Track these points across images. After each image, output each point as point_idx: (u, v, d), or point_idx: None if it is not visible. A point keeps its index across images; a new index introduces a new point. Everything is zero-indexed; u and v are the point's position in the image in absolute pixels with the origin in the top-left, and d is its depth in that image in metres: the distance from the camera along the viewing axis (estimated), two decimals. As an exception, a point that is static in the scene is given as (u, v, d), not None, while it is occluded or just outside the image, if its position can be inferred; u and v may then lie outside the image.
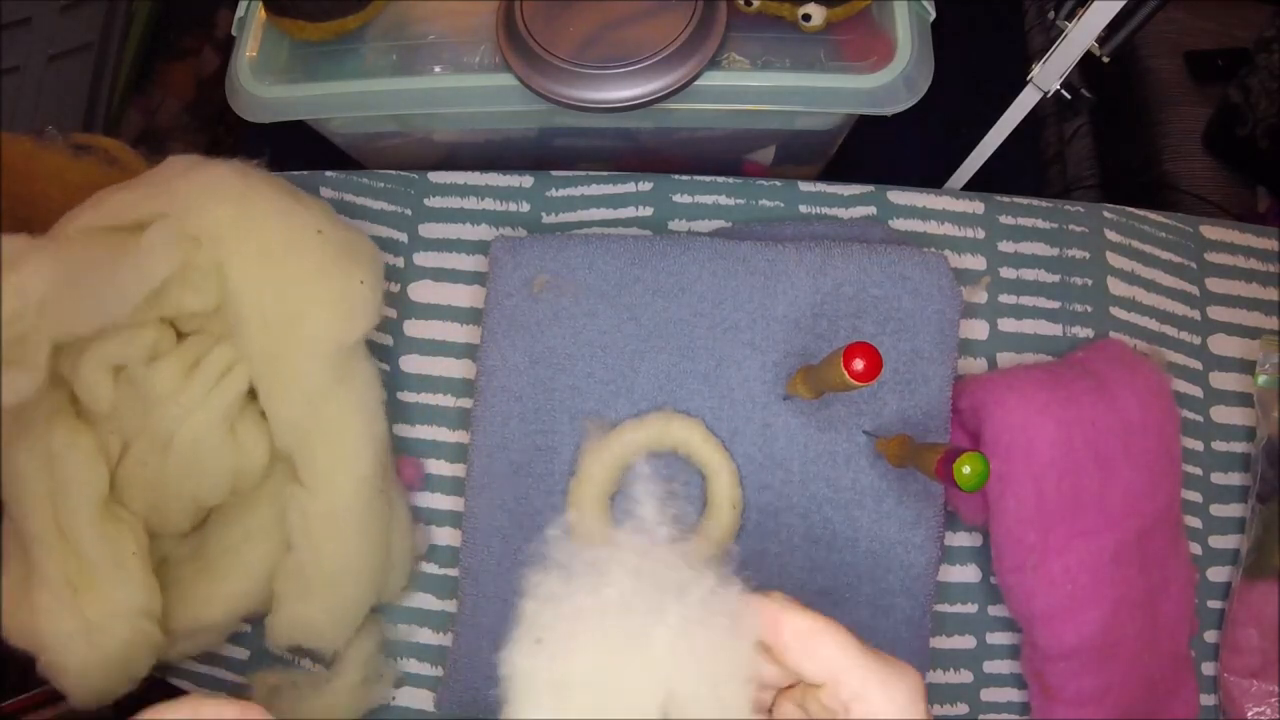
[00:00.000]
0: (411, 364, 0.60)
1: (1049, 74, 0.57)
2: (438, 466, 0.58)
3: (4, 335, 0.42)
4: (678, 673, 0.26)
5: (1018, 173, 1.04)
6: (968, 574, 0.57)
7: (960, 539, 0.57)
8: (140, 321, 0.48)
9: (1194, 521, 0.58)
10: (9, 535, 0.48)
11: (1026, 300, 0.60)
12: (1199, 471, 0.59)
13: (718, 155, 0.75)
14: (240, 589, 0.52)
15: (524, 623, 0.26)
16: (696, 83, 0.56)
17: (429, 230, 0.62)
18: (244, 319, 0.49)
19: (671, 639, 0.26)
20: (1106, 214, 0.62)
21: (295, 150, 0.66)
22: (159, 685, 0.51)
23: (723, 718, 0.26)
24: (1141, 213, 0.62)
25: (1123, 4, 0.52)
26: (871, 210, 0.61)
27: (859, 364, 0.40)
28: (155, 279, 0.46)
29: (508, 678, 0.26)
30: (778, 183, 0.62)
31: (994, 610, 0.57)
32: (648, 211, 0.61)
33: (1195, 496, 0.59)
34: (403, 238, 0.62)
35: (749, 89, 0.57)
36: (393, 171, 0.63)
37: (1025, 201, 0.62)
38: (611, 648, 0.26)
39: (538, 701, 0.26)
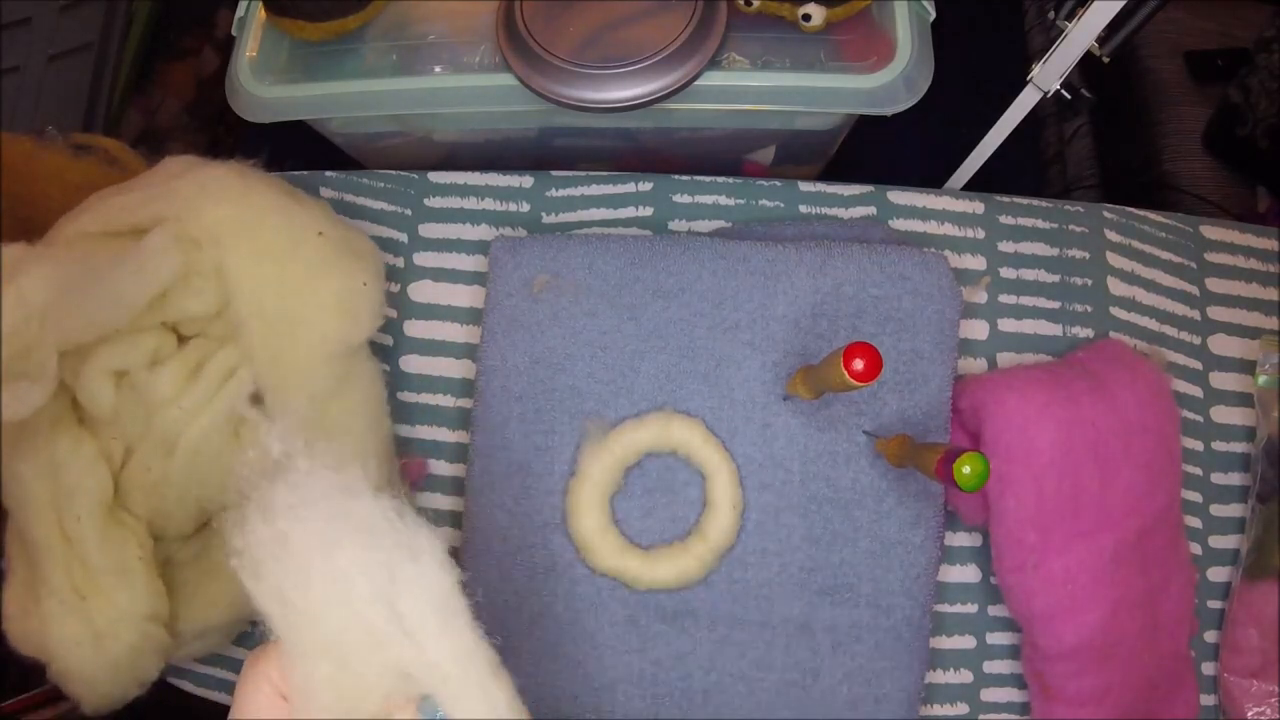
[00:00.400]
0: (411, 364, 0.60)
1: (1049, 74, 0.57)
2: (438, 466, 0.59)
3: (11, 347, 0.42)
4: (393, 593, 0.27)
5: (1018, 173, 1.04)
6: (968, 574, 0.57)
7: (960, 539, 0.57)
8: (141, 327, 0.48)
9: (1194, 521, 0.58)
10: (14, 543, 0.48)
11: (1026, 300, 0.60)
12: (1199, 471, 0.59)
13: (718, 155, 0.75)
14: (245, 590, 0.51)
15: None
16: (696, 83, 0.56)
17: (429, 230, 0.62)
18: (246, 321, 0.49)
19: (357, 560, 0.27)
20: (1106, 214, 0.62)
21: (295, 150, 0.66)
22: (160, 686, 0.51)
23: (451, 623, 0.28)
24: (1141, 213, 0.62)
25: (1123, 4, 0.52)
26: (871, 210, 0.61)
27: (859, 364, 0.40)
28: (157, 285, 0.46)
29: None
30: (778, 183, 0.62)
31: (994, 610, 0.57)
32: (648, 211, 0.62)
33: (1195, 496, 0.59)
34: (403, 238, 0.62)
35: (749, 89, 0.57)
36: (393, 171, 0.63)
37: (1025, 201, 0.62)
38: (307, 579, 0.27)
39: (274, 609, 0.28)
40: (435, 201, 0.62)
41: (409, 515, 0.29)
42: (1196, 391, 0.60)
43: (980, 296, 0.60)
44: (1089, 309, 0.60)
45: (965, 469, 0.40)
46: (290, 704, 0.28)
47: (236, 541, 0.28)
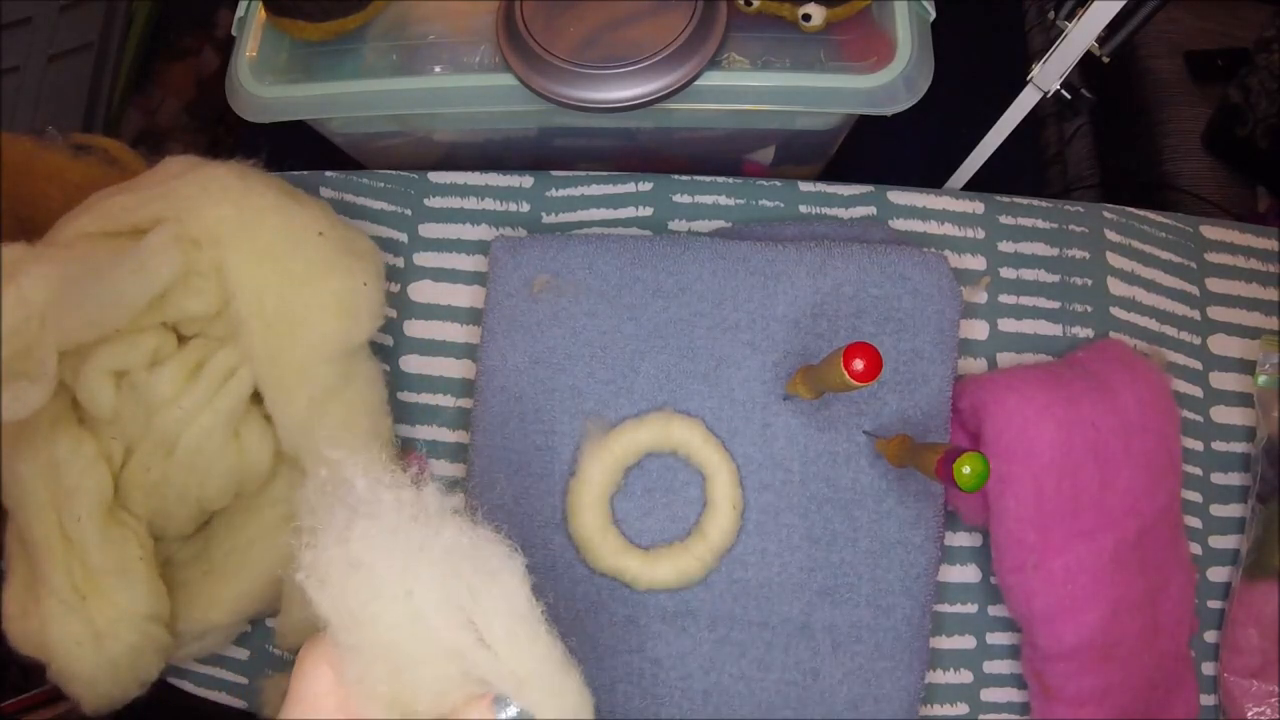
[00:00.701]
0: (411, 364, 0.60)
1: (1049, 74, 0.57)
2: (438, 466, 0.59)
3: (11, 347, 0.42)
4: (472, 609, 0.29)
5: (1018, 173, 1.04)
6: (968, 574, 0.57)
7: (960, 539, 0.57)
8: (141, 327, 0.48)
9: (1194, 521, 0.58)
10: (14, 543, 0.48)
11: (1026, 300, 0.60)
12: (1199, 471, 0.59)
13: (718, 155, 0.75)
14: (246, 590, 0.52)
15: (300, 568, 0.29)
16: (696, 83, 0.56)
17: (429, 230, 0.62)
18: (246, 321, 0.49)
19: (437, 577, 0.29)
20: (1106, 214, 0.62)
21: (295, 150, 0.66)
22: (160, 686, 0.51)
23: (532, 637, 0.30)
24: (1141, 213, 0.62)
25: (1123, 4, 0.52)
26: (871, 210, 0.61)
27: (859, 364, 0.40)
28: (157, 285, 0.46)
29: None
30: (778, 183, 0.62)
31: (994, 610, 0.57)
32: (648, 211, 0.62)
33: (1195, 496, 0.59)
34: (403, 238, 0.62)
35: (749, 89, 0.57)
36: (393, 171, 0.63)
37: (1025, 201, 0.62)
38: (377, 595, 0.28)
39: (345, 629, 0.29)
40: (435, 201, 0.62)
41: (484, 533, 0.30)
42: (1196, 391, 0.60)
43: (980, 296, 0.60)
44: (1089, 309, 0.60)
45: (965, 469, 0.40)
46: (344, 693, 0.29)
47: (305, 556, 0.29)
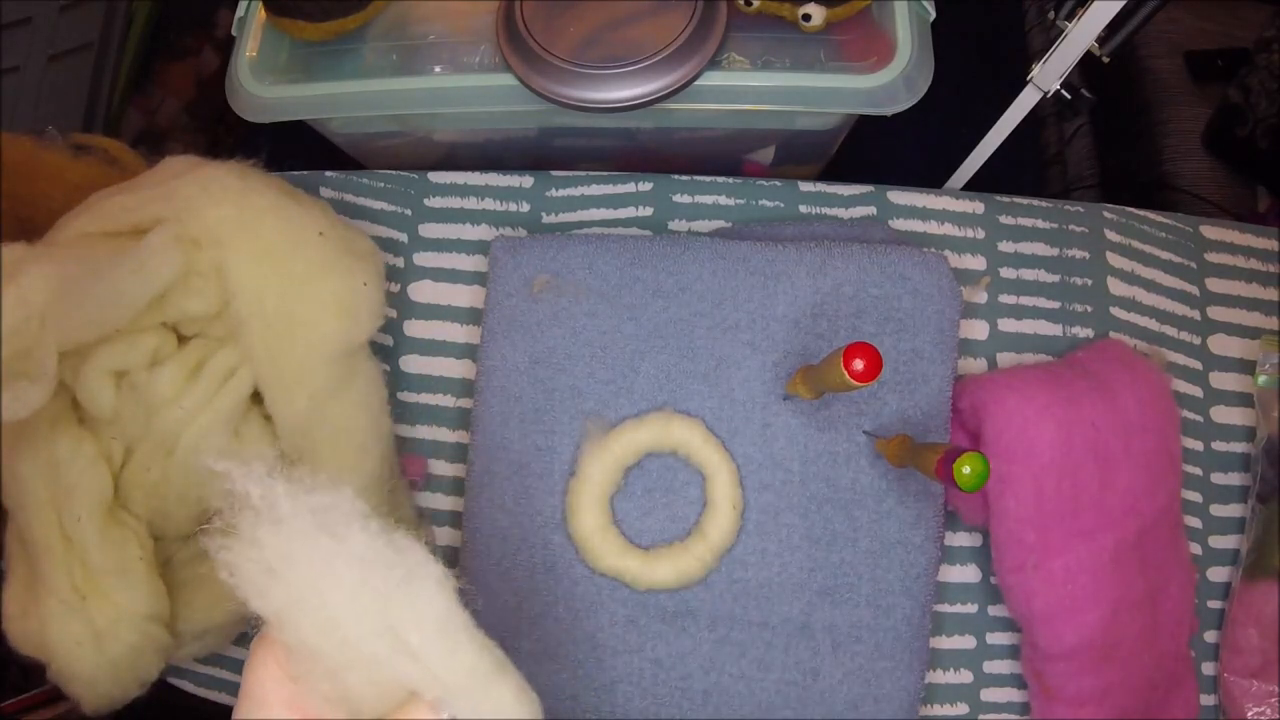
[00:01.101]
0: (411, 364, 0.60)
1: (1049, 74, 0.57)
2: (438, 466, 0.59)
3: (11, 347, 0.42)
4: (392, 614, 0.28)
5: (1018, 173, 1.04)
6: (968, 574, 0.57)
7: (960, 539, 0.57)
8: (141, 327, 0.48)
9: (1194, 521, 0.58)
10: (14, 543, 0.48)
11: (1026, 300, 0.60)
12: (1199, 471, 0.59)
13: (718, 155, 0.75)
14: None
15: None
16: (696, 83, 0.56)
17: (429, 230, 0.62)
18: (246, 321, 0.49)
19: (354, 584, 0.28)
20: (1106, 214, 0.62)
21: (295, 150, 0.66)
22: (160, 686, 0.51)
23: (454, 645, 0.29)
24: (1141, 213, 0.62)
25: (1123, 4, 0.52)
26: (871, 210, 0.61)
27: (859, 364, 0.40)
28: (158, 285, 0.46)
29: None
30: (778, 183, 0.62)
31: (994, 610, 0.57)
32: (648, 211, 0.62)
33: (1195, 496, 0.59)
34: (403, 238, 0.62)
35: (749, 89, 0.57)
36: (393, 171, 0.63)
37: (1025, 201, 0.62)
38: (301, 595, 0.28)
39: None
40: (435, 201, 0.62)
41: (401, 539, 0.29)
42: (1196, 391, 0.60)
43: (980, 296, 0.60)
44: (1089, 309, 0.60)
45: (965, 469, 0.40)
46: (294, 689, 0.29)
47: (226, 556, 0.28)
